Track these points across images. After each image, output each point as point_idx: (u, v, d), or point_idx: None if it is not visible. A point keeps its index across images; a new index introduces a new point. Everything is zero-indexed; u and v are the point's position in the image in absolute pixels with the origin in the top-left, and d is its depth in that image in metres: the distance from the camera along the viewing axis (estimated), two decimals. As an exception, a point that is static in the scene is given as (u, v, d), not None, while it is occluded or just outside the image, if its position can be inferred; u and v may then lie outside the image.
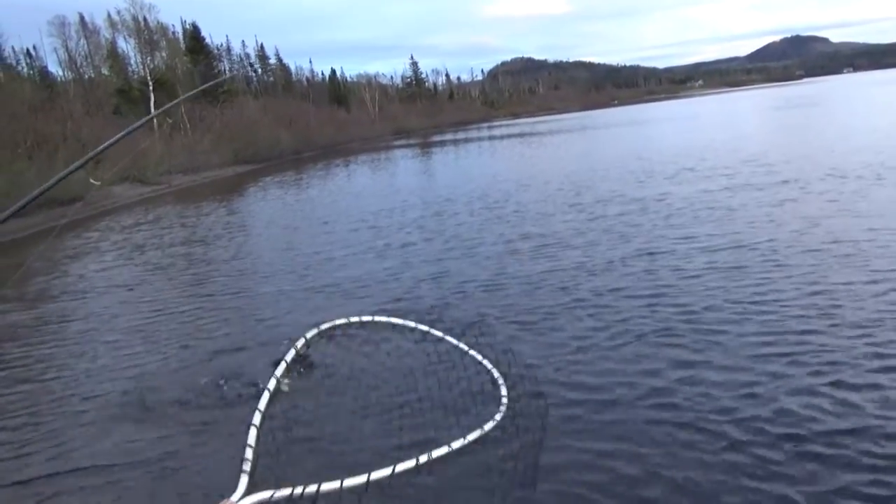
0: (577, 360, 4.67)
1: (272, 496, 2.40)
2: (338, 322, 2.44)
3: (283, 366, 2.28)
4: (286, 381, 2.21)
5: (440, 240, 10.00)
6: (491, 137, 48.77)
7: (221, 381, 5.03)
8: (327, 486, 2.41)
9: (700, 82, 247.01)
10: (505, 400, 2.45)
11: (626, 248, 8.00)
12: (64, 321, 7.73)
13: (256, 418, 2.19)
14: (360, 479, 2.25)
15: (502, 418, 2.35)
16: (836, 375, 4.00)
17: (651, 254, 7.53)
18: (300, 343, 2.33)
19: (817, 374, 4.06)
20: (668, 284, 6.26)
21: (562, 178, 15.95)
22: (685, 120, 40.78)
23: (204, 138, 38.98)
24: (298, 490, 2.40)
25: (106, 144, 2.76)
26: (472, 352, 2.52)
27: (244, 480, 2.30)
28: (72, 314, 8.05)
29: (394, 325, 2.32)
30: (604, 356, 4.69)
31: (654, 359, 4.55)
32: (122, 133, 3.04)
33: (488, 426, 2.31)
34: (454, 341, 2.58)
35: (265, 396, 2.22)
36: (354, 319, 2.31)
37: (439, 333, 2.54)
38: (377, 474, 2.10)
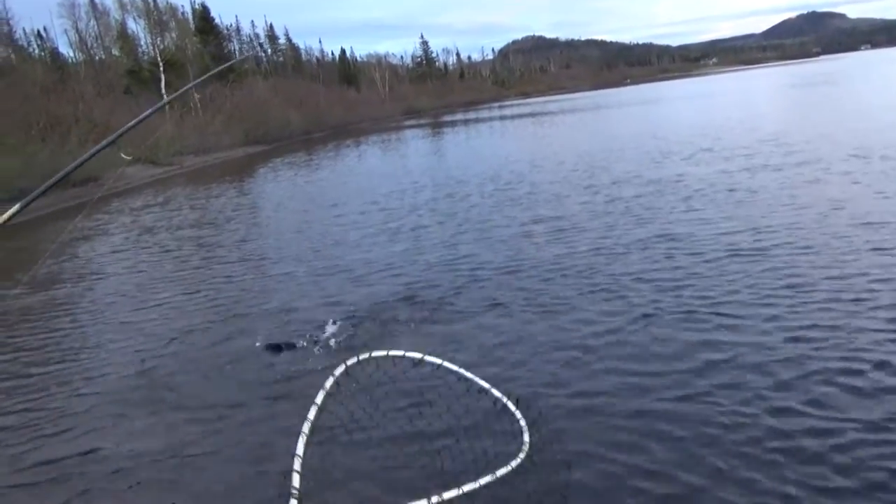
0: (596, 358, 4.55)
1: None
2: (377, 354, 2.42)
3: (322, 395, 2.25)
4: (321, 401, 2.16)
5: (452, 223, 9.88)
6: (502, 117, 48.33)
7: (228, 366, 5.01)
8: None
9: (714, 60, 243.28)
10: (526, 438, 2.45)
11: (644, 231, 7.83)
12: (75, 305, 7.74)
13: (300, 447, 2.12)
14: None
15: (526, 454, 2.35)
16: (868, 361, 3.90)
17: (670, 238, 7.37)
18: (339, 370, 2.30)
19: (848, 359, 3.96)
20: (690, 271, 6.10)
21: (575, 159, 15.69)
22: (700, 99, 40.13)
23: (215, 119, 38.89)
24: None
25: (130, 124, 2.74)
26: (509, 403, 2.54)
27: None
28: (83, 298, 8.06)
29: (438, 366, 2.28)
30: (625, 354, 4.52)
31: (681, 359, 4.33)
32: (144, 114, 3.00)
33: (514, 462, 2.28)
34: (498, 394, 2.58)
35: (306, 425, 2.15)
36: (397, 354, 2.27)
37: (485, 385, 2.52)
38: None
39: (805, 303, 4.93)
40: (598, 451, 3.36)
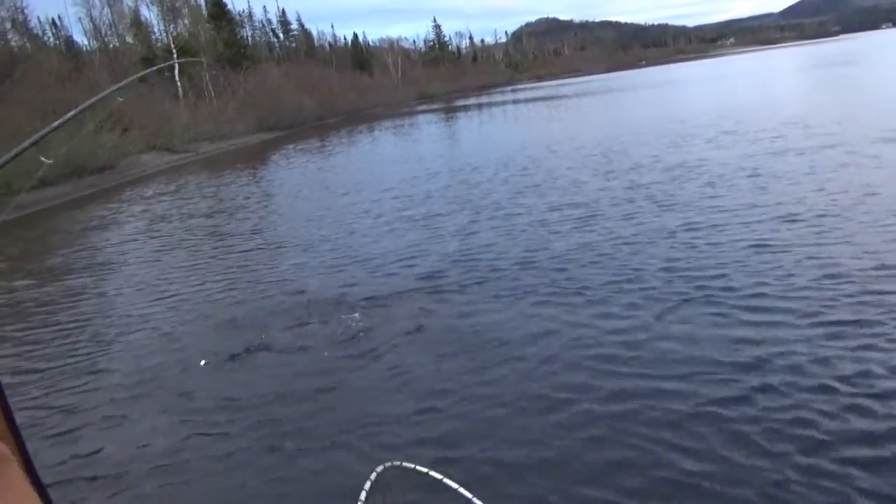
0: (623, 358, 4.41)
1: None
2: (406, 464, 2.41)
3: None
4: None
5: (467, 211, 9.67)
6: (515, 101, 47.90)
7: (243, 359, 4.95)
8: None
9: (731, 40, 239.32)
10: None
11: (668, 219, 7.59)
12: (88, 296, 7.72)
13: None
14: None
15: None
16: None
17: (695, 226, 7.11)
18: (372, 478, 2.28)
19: (881, 350, 3.81)
20: (718, 261, 5.87)
21: (593, 144, 15.39)
22: (717, 80, 39.44)
23: (228, 106, 38.86)
24: None
25: (50, 128, 2.44)
26: None
27: None
28: (95, 288, 8.04)
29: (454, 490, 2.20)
30: (653, 355, 4.34)
31: (713, 358, 4.16)
32: (69, 115, 2.71)
33: None
34: None
35: None
36: (422, 470, 2.25)
37: None
38: None
39: (841, 295, 4.72)
40: (637, 460, 3.25)
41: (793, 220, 6.80)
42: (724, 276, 5.48)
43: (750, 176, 9.33)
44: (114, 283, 8.20)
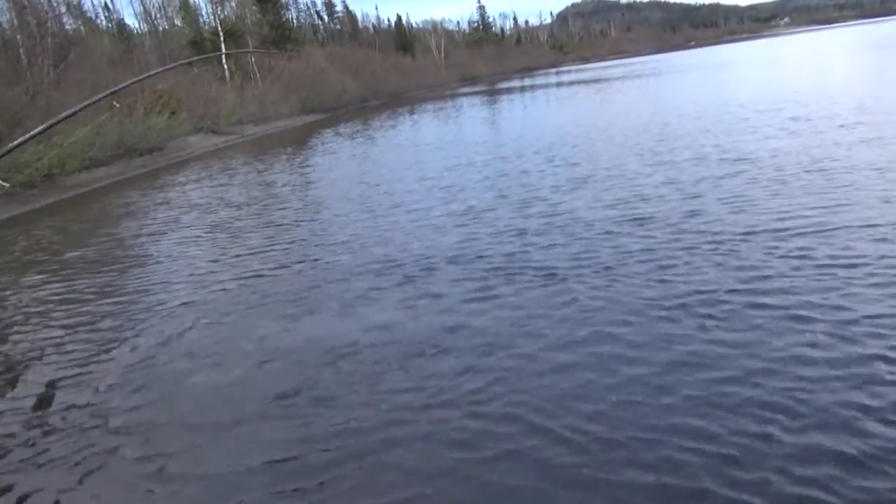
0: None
1: None
2: None
3: None
4: None
5: (515, 206, 8.78)
6: (559, 84, 47.02)
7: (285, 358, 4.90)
8: None
9: (786, 20, 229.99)
10: None
11: (742, 222, 6.52)
12: (129, 283, 7.82)
13: None
14: None
15: None
16: None
17: (773, 233, 6.06)
18: None
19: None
20: (806, 274, 4.95)
21: (648, 129, 14.63)
22: (773, 61, 37.79)
23: (273, 88, 39.25)
24: None
25: (56, 120, 2.46)
26: None
27: None
28: (137, 277, 8.14)
29: None
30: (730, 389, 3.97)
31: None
32: (78, 107, 2.74)
33: None
34: None
35: None
36: None
37: None
38: None
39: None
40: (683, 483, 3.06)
41: (883, 227, 5.81)
42: (815, 295, 4.60)
43: (826, 171, 8.29)
44: (157, 270, 8.30)
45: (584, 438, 3.31)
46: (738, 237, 6.14)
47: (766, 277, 5.06)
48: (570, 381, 3.90)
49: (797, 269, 5.17)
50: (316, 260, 7.43)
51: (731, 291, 4.88)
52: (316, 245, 8.18)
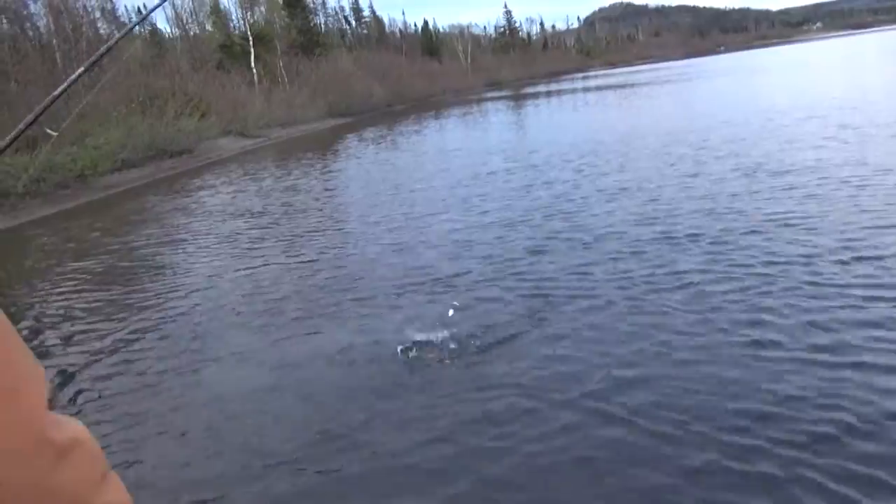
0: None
1: None
2: None
3: None
4: None
5: (545, 220, 8.17)
6: (586, 89, 46.67)
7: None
8: None
9: (819, 25, 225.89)
10: None
11: (807, 252, 5.65)
12: (158, 284, 7.87)
13: None
14: None
15: None
16: None
17: (841, 265, 5.23)
18: None
19: None
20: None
21: (683, 138, 13.82)
22: (807, 67, 36.87)
23: (300, 92, 39.61)
24: None
25: (55, 94, 2.28)
26: None
27: None
28: (163, 285, 8.19)
29: None
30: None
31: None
32: (61, 88, 2.48)
33: None
34: None
35: None
36: None
37: None
38: None
39: None
40: None
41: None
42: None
43: (886, 184, 7.53)
44: (183, 281, 8.34)
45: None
46: (787, 266, 5.37)
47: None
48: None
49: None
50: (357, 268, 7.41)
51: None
52: (356, 249, 8.17)
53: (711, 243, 6.30)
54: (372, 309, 5.66)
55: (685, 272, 5.58)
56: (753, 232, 6.46)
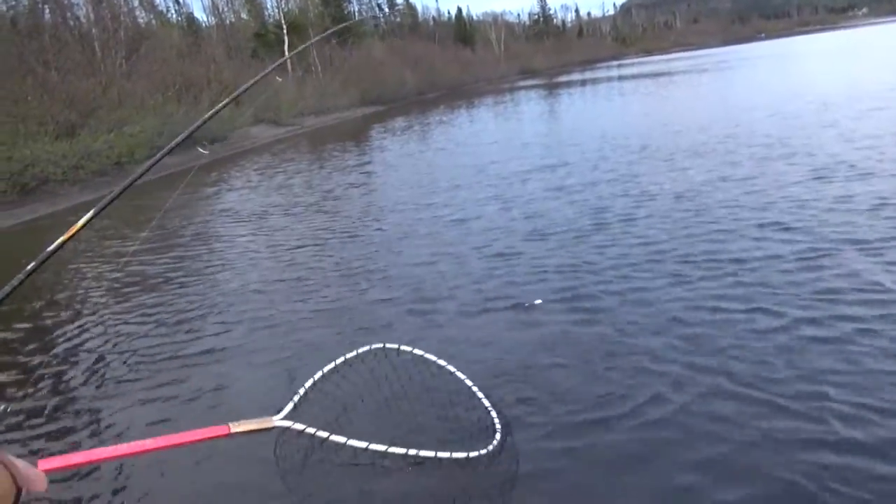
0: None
1: (305, 429, 2.83)
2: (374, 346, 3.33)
3: (332, 366, 3.28)
4: None
5: (580, 224, 7.45)
6: (621, 77, 45.66)
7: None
8: (353, 443, 2.84)
9: (864, 10, 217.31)
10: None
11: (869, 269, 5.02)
12: (183, 274, 7.94)
13: (318, 375, 3.20)
14: (381, 447, 2.81)
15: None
16: None
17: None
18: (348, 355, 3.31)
19: None
20: None
21: (728, 133, 12.69)
22: (856, 54, 35.19)
23: (333, 80, 39.72)
24: (325, 434, 2.84)
25: (245, 86, 2.88)
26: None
27: (289, 407, 2.97)
28: (191, 270, 8.26)
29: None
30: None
31: None
32: (261, 74, 3.20)
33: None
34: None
35: (329, 366, 3.24)
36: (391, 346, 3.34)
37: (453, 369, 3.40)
38: (394, 450, 2.80)
39: None
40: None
41: None
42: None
43: None
44: (207, 269, 8.41)
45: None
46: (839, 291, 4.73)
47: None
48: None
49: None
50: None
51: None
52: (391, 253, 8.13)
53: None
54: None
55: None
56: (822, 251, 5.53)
